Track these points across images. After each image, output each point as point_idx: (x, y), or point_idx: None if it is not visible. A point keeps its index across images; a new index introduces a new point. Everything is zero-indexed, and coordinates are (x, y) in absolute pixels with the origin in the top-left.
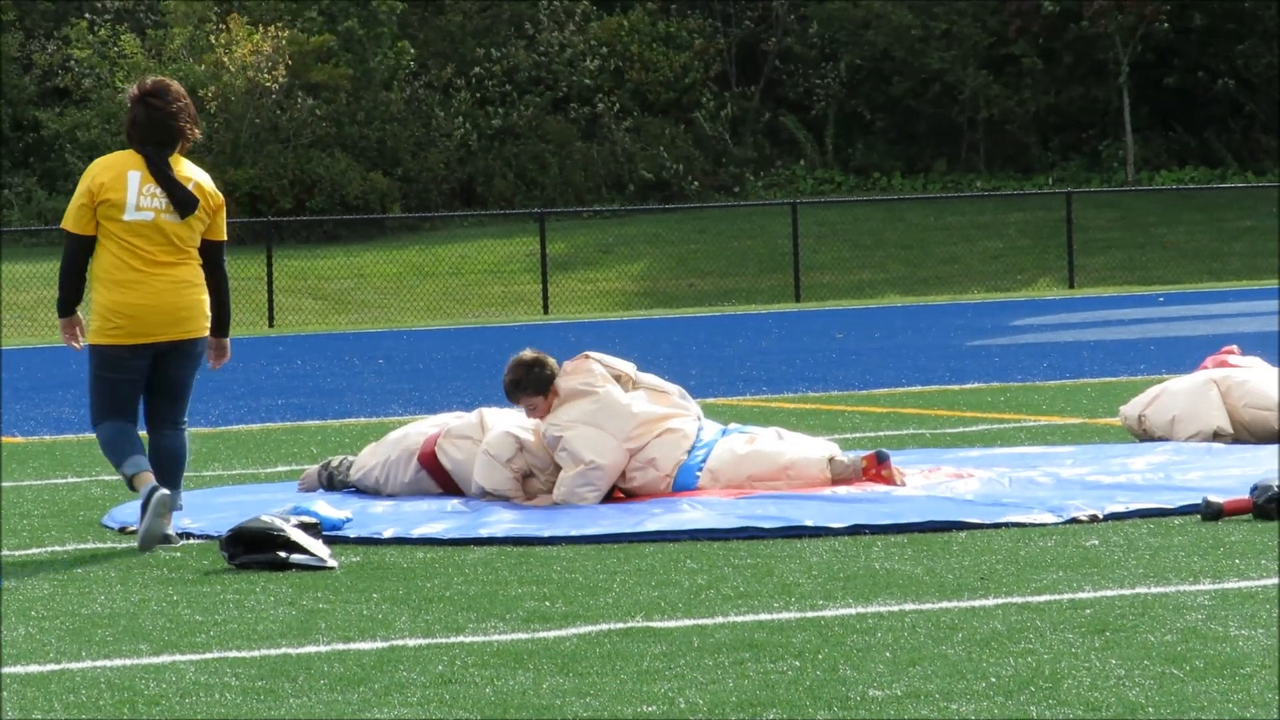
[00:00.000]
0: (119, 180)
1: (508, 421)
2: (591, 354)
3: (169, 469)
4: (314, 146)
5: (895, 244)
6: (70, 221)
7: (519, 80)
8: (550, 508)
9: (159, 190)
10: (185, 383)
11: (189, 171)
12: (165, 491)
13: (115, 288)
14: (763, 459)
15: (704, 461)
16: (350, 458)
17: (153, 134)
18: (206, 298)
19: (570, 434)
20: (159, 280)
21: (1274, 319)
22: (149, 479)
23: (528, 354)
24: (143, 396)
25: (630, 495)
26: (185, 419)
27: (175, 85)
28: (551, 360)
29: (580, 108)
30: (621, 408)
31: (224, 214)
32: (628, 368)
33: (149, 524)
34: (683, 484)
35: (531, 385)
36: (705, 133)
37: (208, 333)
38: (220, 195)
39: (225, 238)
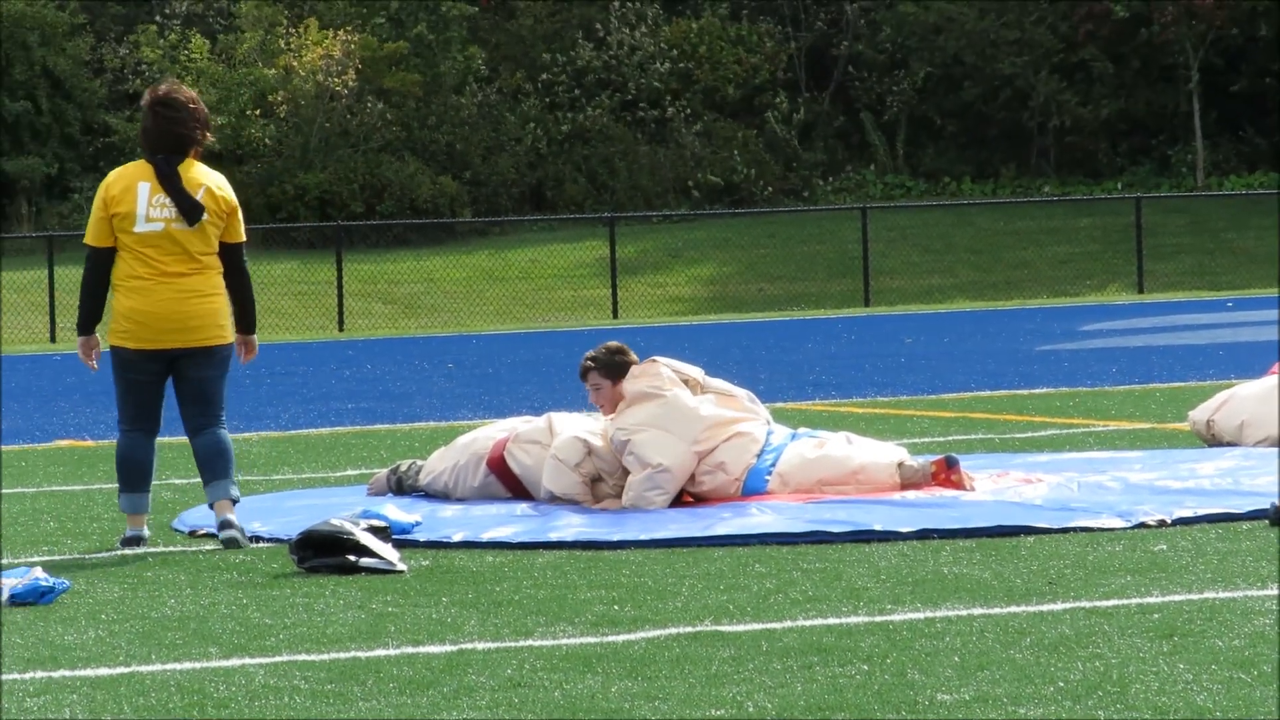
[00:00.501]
0: (129, 192)
1: (576, 426)
2: (659, 358)
3: (213, 464)
4: (384, 151)
5: (965, 249)
6: (89, 235)
7: (587, 84)
8: (619, 512)
9: (168, 200)
10: (208, 386)
11: (201, 176)
12: (144, 542)
13: (127, 294)
14: (832, 463)
15: (773, 465)
16: (419, 462)
17: (163, 142)
18: (223, 305)
19: (638, 437)
20: (168, 288)
21: None
22: (138, 523)
23: (614, 343)
24: (178, 404)
25: (699, 499)
26: (221, 420)
27: (186, 91)
28: (634, 355)
29: (649, 110)
30: (689, 411)
31: (239, 217)
32: (695, 372)
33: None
34: (752, 488)
35: (604, 367)
36: (776, 136)
37: (226, 340)
38: (233, 199)
39: (243, 239)
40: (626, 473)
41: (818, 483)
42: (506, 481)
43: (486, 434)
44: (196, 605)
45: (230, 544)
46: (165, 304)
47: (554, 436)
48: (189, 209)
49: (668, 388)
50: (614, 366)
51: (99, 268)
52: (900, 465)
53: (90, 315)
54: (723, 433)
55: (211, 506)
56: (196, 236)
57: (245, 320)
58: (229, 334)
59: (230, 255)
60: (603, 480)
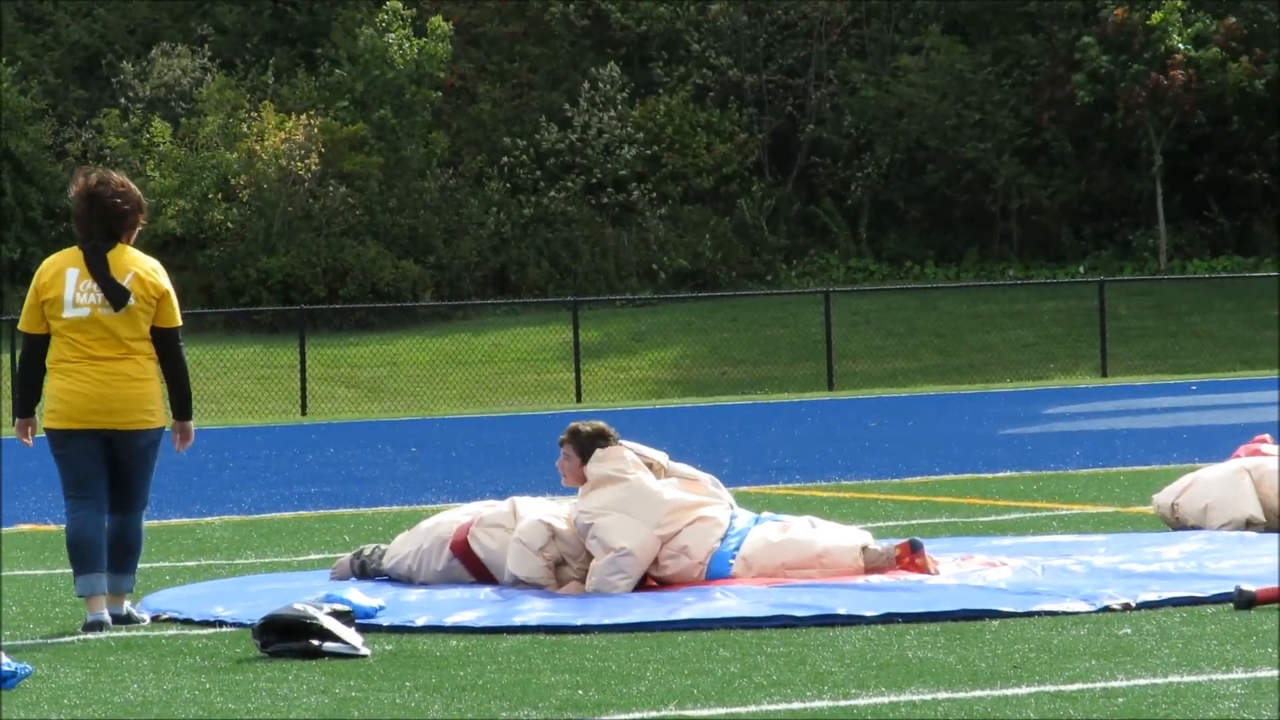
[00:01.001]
0: (58, 278)
1: (540, 510)
2: (624, 441)
3: (117, 554)
4: (346, 234)
5: (928, 332)
6: (23, 321)
7: (550, 167)
8: (583, 596)
9: (95, 285)
10: (131, 472)
11: (131, 262)
12: (106, 626)
13: (56, 375)
14: (796, 547)
15: (737, 549)
16: (383, 546)
17: (94, 228)
18: (152, 390)
19: (601, 520)
20: (95, 371)
21: None
22: (97, 606)
23: (603, 425)
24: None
25: (663, 583)
26: (135, 506)
27: (116, 176)
28: (615, 436)
29: (615, 194)
30: (653, 494)
31: (171, 302)
32: (659, 456)
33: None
34: (716, 572)
35: (580, 444)
36: (742, 220)
37: (152, 424)
38: (164, 284)
39: (177, 324)
40: (590, 556)
41: (781, 566)
42: (470, 565)
43: (450, 518)
44: (159, 690)
45: (94, 629)
46: (91, 386)
47: (518, 520)
48: (115, 294)
49: (631, 471)
50: (587, 446)
51: (32, 352)
52: (864, 549)
53: (25, 399)
54: (686, 517)
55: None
56: (124, 322)
57: (180, 406)
58: (157, 419)
59: (163, 340)
60: (567, 564)
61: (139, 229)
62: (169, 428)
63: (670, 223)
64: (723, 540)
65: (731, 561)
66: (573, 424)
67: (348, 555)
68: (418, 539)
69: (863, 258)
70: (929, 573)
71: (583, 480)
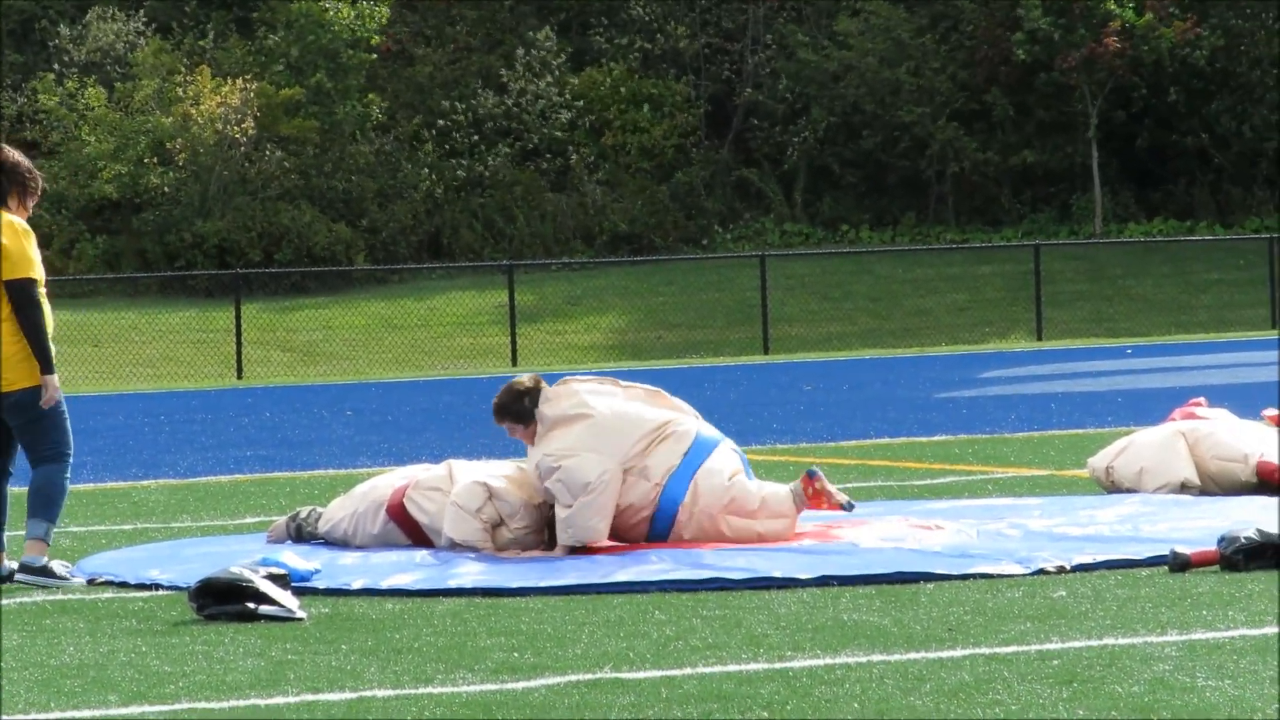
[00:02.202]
0: None
1: (476, 472)
2: (571, 377)
3: (31, 502)
4: (281, 199)
5: (864, 296)
6: None
7: (486, 131)
8: (518, 559)
9: None
10: (20, 430)
11: None
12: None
13: None
14: (743, 491)
15: (698, 466)
16: (319, 509)
17: None
18: (8, 351)
19: (569, 462)
20: None
21: (1239, 371)
22: None
23: (526, 380)
24: None
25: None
26: (44, 458)
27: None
28: (541, 384)
29: (552, 159)
30: (624, 420)
31: (11, 253)
32: (609, 382)
33: None
34: (671, 496)
35: (510, 415)
36: (679, 185)
37: (15, 385)
38: (3, 240)
39: (19, 276)
40: (531, 515)
41: (723, 509)
42: (406, 529)
43: (386, 481)
44: (95, 653)
45: (8, 579)
46: None
47: (454, 484)
48: None
49: (591, 406)
50: (524, 413)
51: None
52: (792, 493)
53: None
54: (655, 436)
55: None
56: None
57: (36, 360)
58: (19, 380)
59: (9, 294)
60: (504, 524)
61: (29, 199)
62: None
63: (607, 187)
64: (685, 456)
65: (687, 484)
66: (495, 401)
67: (283, 518)
68: (353, 503)
69: (798, 222)
70: (833, 501)
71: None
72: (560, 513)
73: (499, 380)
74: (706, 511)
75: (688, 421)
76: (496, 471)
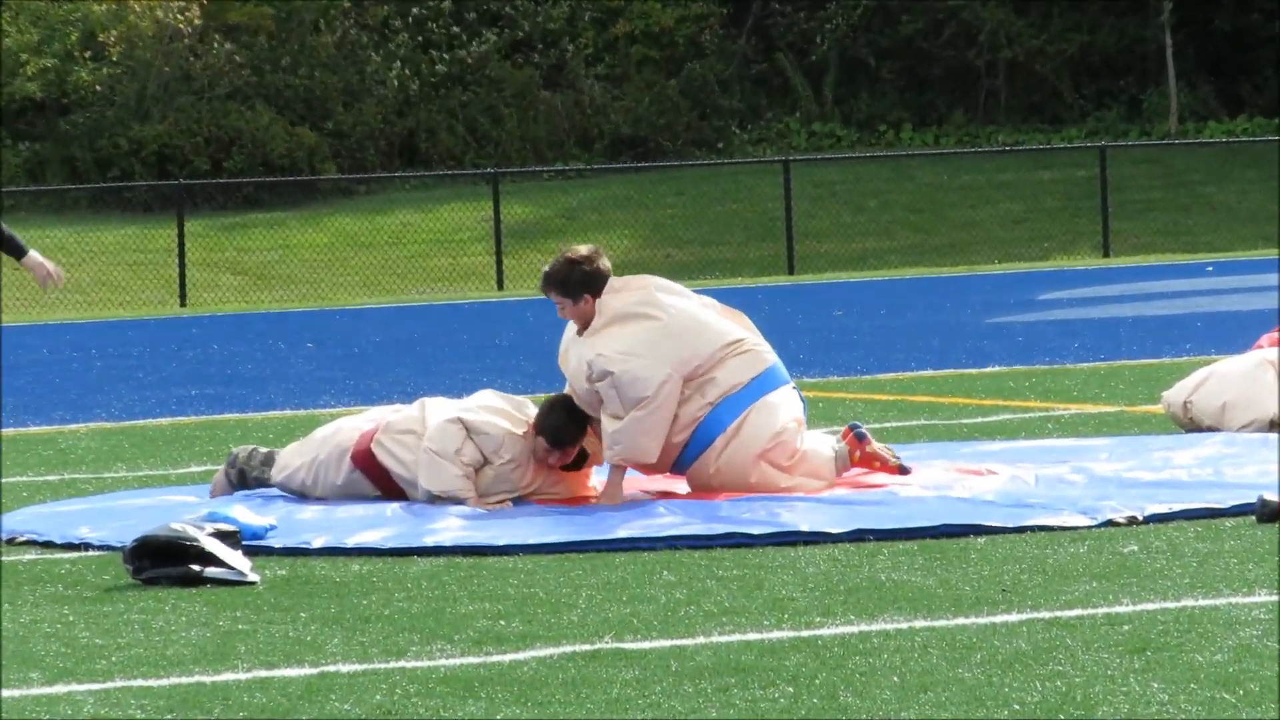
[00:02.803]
0: None
1: (448, 409)
2: (649, 277)
3: None
4: (232, 98)
5: (903, 207)
6: None
7: (469, 20)
8: (503, 512)
9: None
10: None
11: None
12: None
13: None
14: (791, 438)
15: (757, 398)
16: (260, 450)
17: None
18: None
19: (627, 367)
20: None
21: None
22: None
23: (583, 249)
24: None
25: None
26: None
27: None
28: (603, 263)
29: (546, 51)
30: (695, 329)
31: None
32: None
33: None
34: (717, 419)
35: (559, 285)
36: (690, 80)
37: None
38: None
39: None
40: (517, 447)
41: (765, 451)
42: (375, 478)
43: (351, 424)
44: (15, 624)
45: None
46: None
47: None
48: None
49: (664, 304)
50: (572, 282)
51: None
52: (835, 456)
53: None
54: (731, 350)
55: None
56: None
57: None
58: None
59: None
60: (488, 464)
61: None
62: None
63: (608, 83)
64: (753, 380)
65: (739, 413)
66: (545, 269)
67: (221, 468)
68: (313, 448)
69: (828, 121)
70: (888, 464)
71: (591, 316)
72: (608, 424)
73: (481, 307)
74: (745, 448)
75: (764, 346)
76: (471, 403)
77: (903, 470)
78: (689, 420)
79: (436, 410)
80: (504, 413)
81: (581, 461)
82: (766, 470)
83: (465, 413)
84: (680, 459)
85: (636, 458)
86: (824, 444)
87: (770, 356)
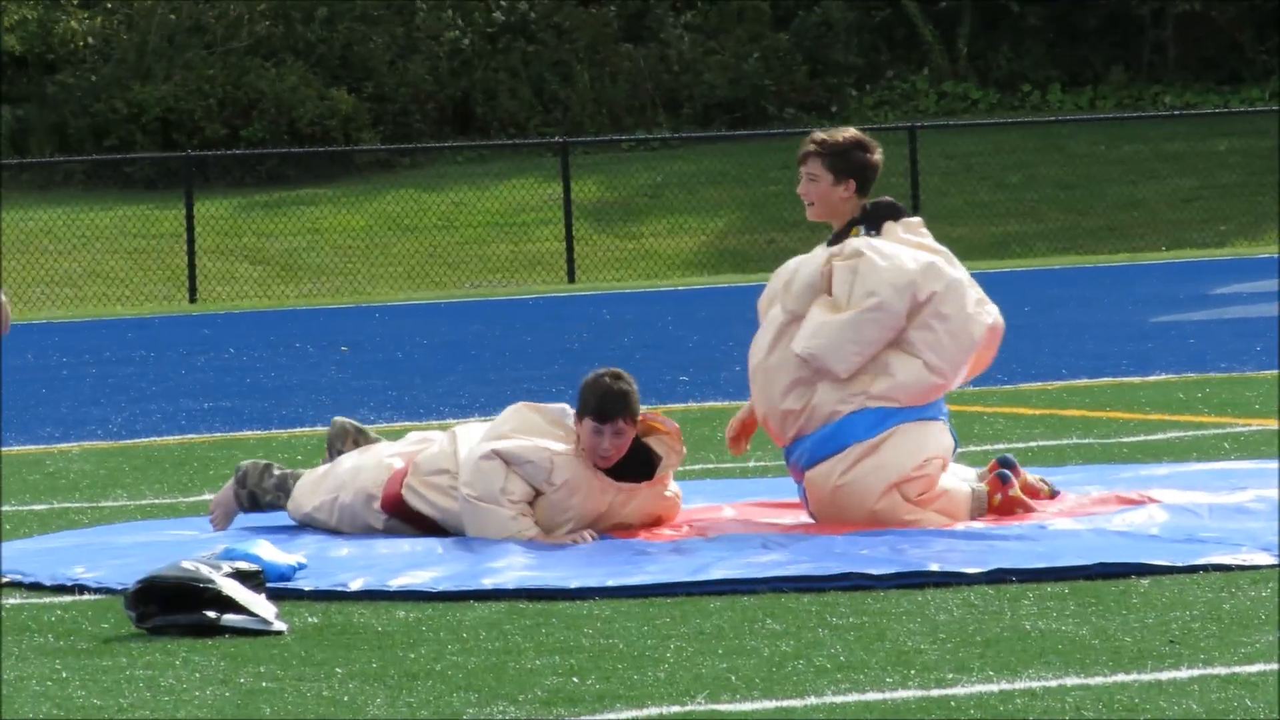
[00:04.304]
0: None
1: (475, 437)
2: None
3: None
4: (252, 53)
5: (1052, 183)
6: None
7: None
8: (573, 548)
9: None
10: None
11: None
12: None
13: None
14: (932, 472)
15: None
16: (275, 470)
17: None
18: None
19: (875, 256)
20: None
21: None
22: None
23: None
24: None
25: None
26: None
27: None
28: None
29: None
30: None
31: None
32: None
33: None
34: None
35: (832, 154)
36: (804, 32)
37: None
38: None
39: None
40: (569, 465)
41: (899, 481)
42: (414, 522)
43: (374, 459)
44: None
45: None
46: None
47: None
48: None
49: (945, 257)
50: (847, 161)
51: None
52: (973, 494)
53: None
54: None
55: None
56: None
57: None
58: None
59: None
60: (540, 495)
61: None
62: None
63: (701, 35)
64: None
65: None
66: (821, 137)
67: (227, 487)
68: (333, 485)
69: (962, 80)
70: (1039, 493)
71: (838, 213)
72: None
73: (549, 302)
74: (881, 470)
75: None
76: (502, 427)
77: (1053, 495)
78: (828, 410)
79: (468, 441)
80: (542, 429)
81: (649, 470)
82: (896, 501)
83: (498, 442)
84: (797, 448)
85: (823, 358)
86: (963, 482)
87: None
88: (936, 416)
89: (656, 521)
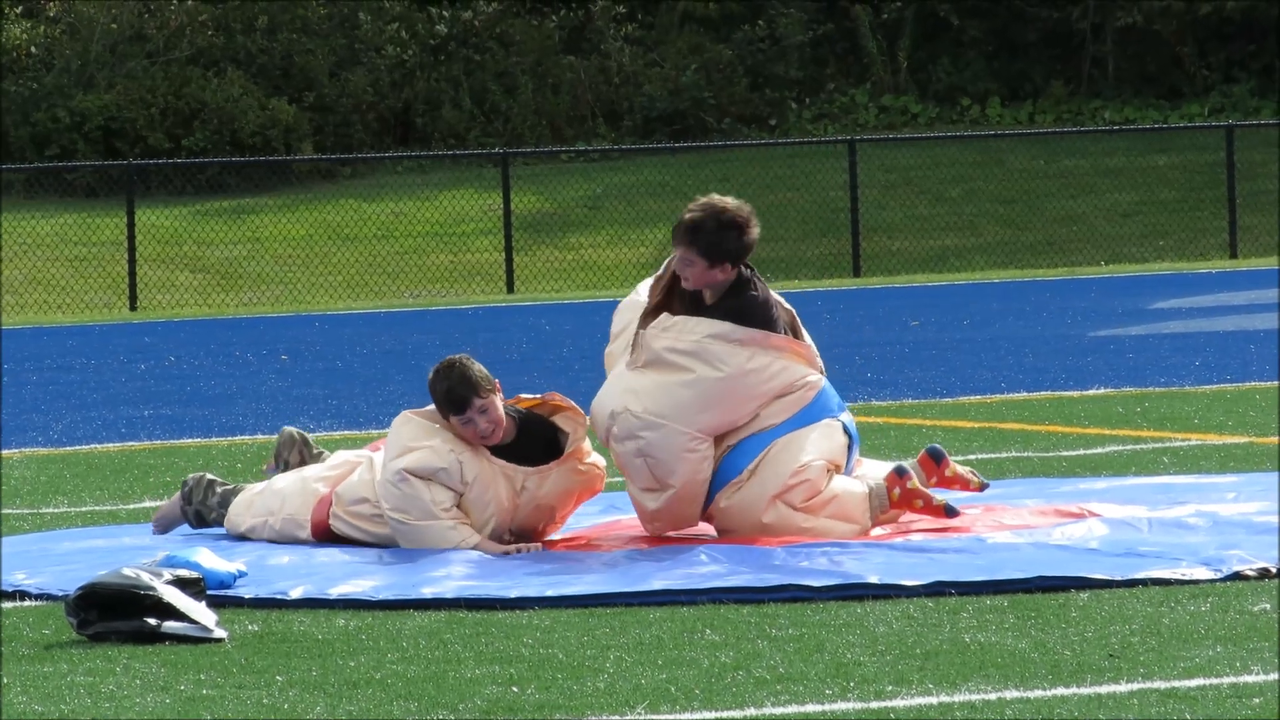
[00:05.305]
0: None
1: (379, 462)
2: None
3: None
4: (194, 63)
5: (992, 197)
6: None
7: None
8: (513, 558)
9: None
10: None
11: None
12: None
13: None
14: (815, 475)
15: (771, 440)
16: (218, 485)
17: None
18: None
19: (658, 435)
20: None
21: None
22: None
23: (745, 211)
24: None
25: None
26: None
27: None
28: (753, 229)
29: (567, 9)
30: (747, 384)
31: None
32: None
33: None
34: (743, 454)
35: (704, 245)
36: (744, 45)
37: None
38: None
39: None
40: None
41: (781, 491)
42: (348, 545)
43: (301, 483)
44: None
45: None
46: None
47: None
48: None
49: (715, 359)
50: (723, 249)
51: None
52: (870, 494)
53: None
54: (785, 391)
55: None
56: None
57: None
58: None
59: None
60: (461, 495)
61: None
62: None
63: (641, 48)
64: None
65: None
66: (688, 219)
67: (174, 499)
68: (263, 507)
69: (902, 94)
70: (967, 491)
71: (716, 285)
72: (648, 501)
73: (488, 312)
74: (760, 488)
75: (815, 378)
76: (394, 446)
77: (980, 488)
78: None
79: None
80: (436, 433)
81: (558, 449)
82: (782, 511)
83: (402, 460)
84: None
85: (682, 528)
86: (857, 480)
87: (815, 389)
88: (820, 418)
89: (582, 495)
